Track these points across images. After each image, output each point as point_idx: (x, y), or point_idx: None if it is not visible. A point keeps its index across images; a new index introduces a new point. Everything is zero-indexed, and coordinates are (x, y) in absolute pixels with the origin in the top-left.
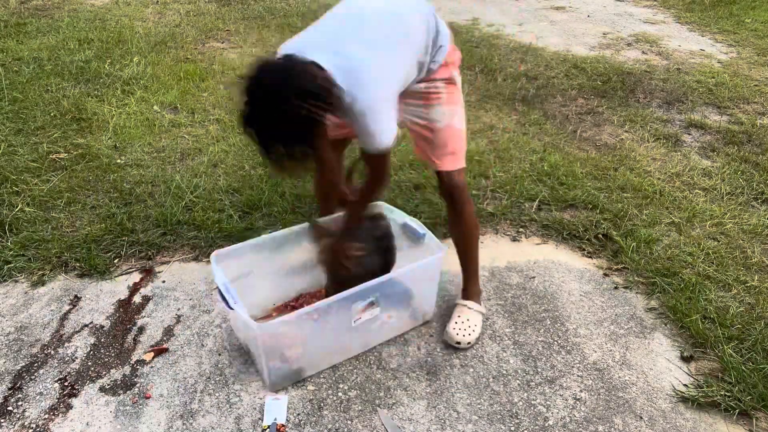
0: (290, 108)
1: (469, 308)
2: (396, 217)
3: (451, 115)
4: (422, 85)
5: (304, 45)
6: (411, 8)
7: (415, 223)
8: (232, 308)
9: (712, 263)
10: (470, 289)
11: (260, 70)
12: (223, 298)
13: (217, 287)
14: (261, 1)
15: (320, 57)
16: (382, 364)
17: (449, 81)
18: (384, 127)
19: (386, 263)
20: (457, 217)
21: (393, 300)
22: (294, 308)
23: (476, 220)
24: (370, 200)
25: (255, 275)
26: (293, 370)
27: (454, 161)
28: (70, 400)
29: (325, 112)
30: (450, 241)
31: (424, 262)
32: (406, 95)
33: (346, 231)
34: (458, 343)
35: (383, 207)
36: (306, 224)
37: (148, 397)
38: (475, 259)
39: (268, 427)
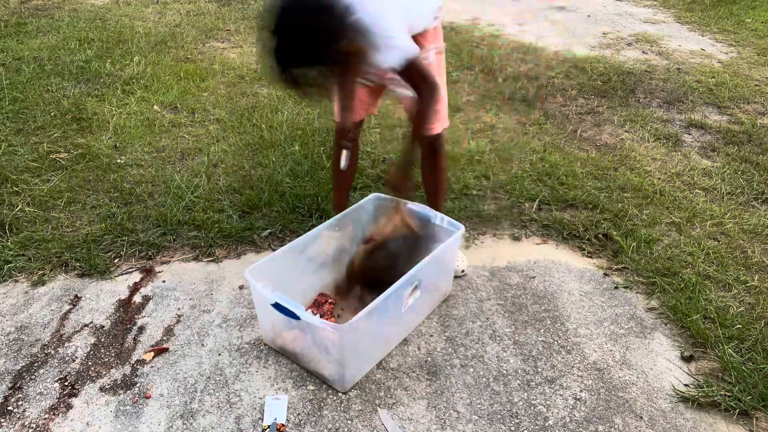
0: (305, 24)
1: None
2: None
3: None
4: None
5: None
6: None
7: (419, 207)
8: (299, 318)
9: (713, 263)
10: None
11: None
12: (283, 312)
13: (275, 304)
14: (261, 0)
15: None
16: (382, 363)
17: (439, 51)
18: (397, 35)
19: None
20: (435, 163)
21: (425, 282)
22: (319, 308)
23: (447, 164)
24: (426, 113)
25: (280, 278)
26: (359, 369)
27: (444, 122)
28: (70, 400)
29: (338, 32)
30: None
31: (448, 242)
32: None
33: (407, 155)
34: (462, 271)
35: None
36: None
37: (148, 397)
38: (443, 198)
39: (269, 427)
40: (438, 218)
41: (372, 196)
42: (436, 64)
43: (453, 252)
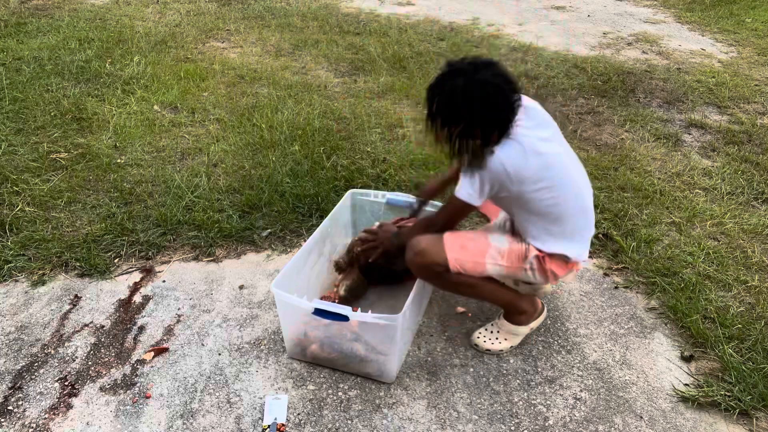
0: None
1: (501, 328)
2: (377, 197)
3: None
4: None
5: None
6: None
7: (401, 196)
8: (348, 319)
9: (713, 263)
10: (507, 311)
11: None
12: (329, 317)
13: (315, 310)
14: (261, 1)
15: None
16: None
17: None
18: (467, 182)
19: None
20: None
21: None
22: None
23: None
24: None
25: (298, 286)
26: (401, 358)
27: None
28: (70, 400)
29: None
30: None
31: None
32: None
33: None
34: (476, 345)
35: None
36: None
37: (148, 397)
38: (500, 298)
39: (269, 426)
40: (418, 202)
41: (348, 193)
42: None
43: None
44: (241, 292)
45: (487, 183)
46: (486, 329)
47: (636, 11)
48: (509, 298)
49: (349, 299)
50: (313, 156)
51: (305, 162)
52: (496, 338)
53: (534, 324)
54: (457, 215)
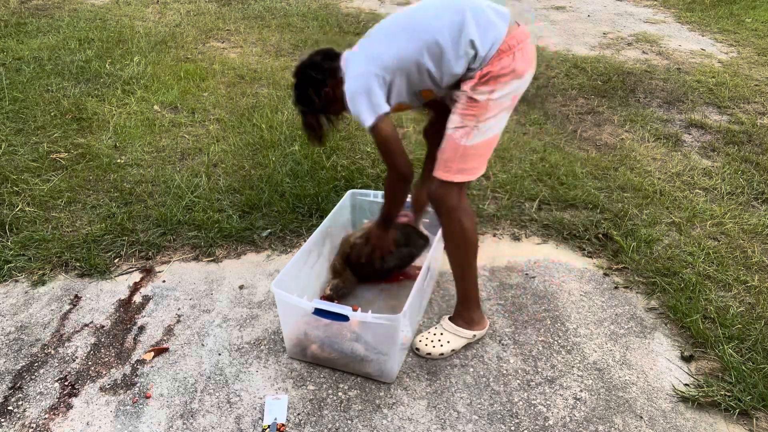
0: (302, 79)
1: (446, 329)
2: (377, 197)
3: (458, 127)
4: (453, 91)
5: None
6: (438, 8)
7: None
8: (348, 319)
9: (713, 263)
10: (457, 311)
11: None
12: (329, 317)
13: (315, 310)
14: (261, 0)
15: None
16: None
17: (471, 99)
18: (360, 110)
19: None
20: (443, 231)
21: (433, 264)
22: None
23: (466, 241)
24: (389, 196)
25: (298, 287)
26: (401, 357)
27: (442, 170)
28: (70, 400)
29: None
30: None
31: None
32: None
33: (377, 224)
34: (417, 349)
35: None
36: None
37: (148, 397)
38: (464, 280)
39: (269, 426)
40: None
41: (348, 193)
42: (463, 106)
43: (438, 235)
44: (241, 292)
45: (374, 84)
46: (429, 332)
47: (636, 11)
48: (475, 293)
49: (333, 298)
50: (313, 156)
51: (305, 162)
52: (439, 340)
53: (479, 334)
54: (390, 140)
